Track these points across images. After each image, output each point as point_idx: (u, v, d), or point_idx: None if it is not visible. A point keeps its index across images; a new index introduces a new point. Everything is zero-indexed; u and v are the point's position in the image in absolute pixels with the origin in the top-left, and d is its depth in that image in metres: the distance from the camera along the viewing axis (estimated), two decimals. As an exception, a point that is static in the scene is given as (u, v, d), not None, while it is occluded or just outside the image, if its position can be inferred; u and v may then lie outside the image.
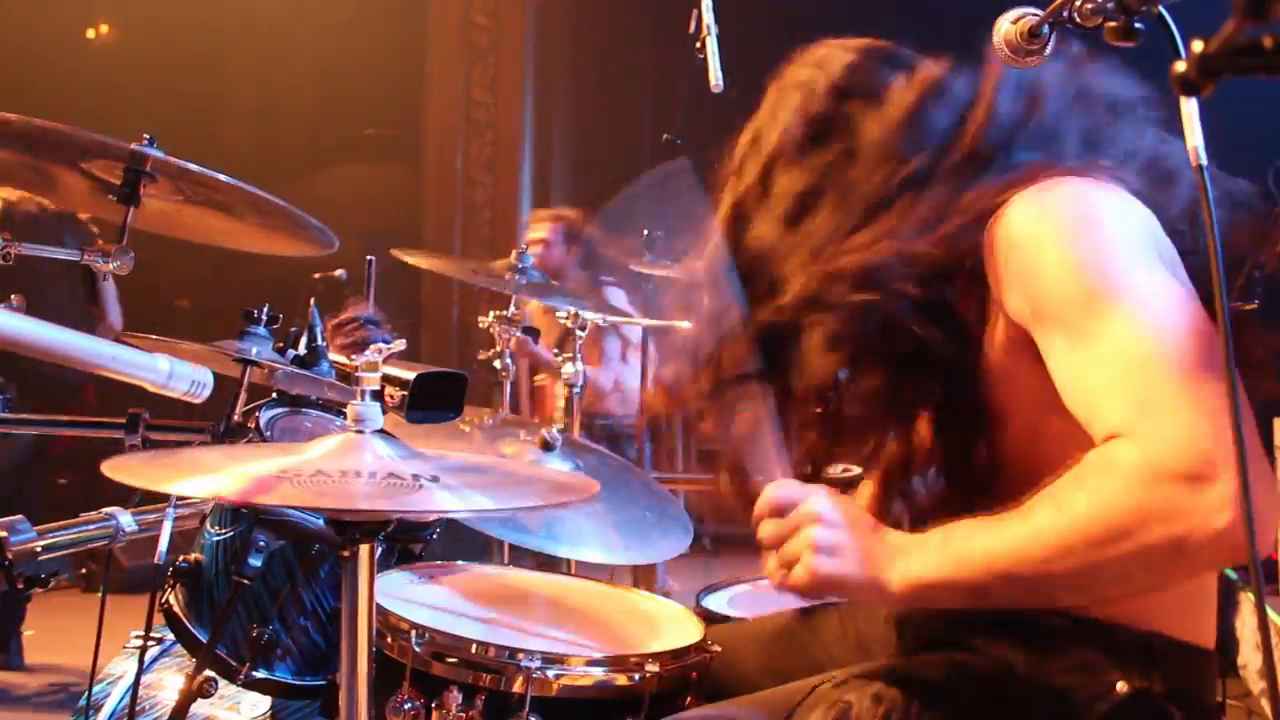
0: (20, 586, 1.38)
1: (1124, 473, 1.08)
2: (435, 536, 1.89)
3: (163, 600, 1.73)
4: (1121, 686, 1.23)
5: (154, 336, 1.80)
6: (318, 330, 1.80)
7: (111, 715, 1.90)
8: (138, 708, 1.85)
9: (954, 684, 1.30)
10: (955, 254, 1.27)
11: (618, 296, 4.17)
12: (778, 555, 1.26)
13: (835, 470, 2.79)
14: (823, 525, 1.23)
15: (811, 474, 1.43)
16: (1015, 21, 1.23)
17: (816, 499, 1.25)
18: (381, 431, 1.21)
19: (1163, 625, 1.27)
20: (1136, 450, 1.08)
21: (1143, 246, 1.21)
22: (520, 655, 1.40)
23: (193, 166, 1.78)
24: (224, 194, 1.85)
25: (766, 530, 1.28)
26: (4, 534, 1.38)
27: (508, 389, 2.93)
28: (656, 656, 1.46)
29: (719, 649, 1.53)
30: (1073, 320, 1.18)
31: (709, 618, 1.84)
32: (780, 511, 1.27)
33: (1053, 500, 1.13)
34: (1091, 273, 1.18)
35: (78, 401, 4.73)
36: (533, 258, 3.15)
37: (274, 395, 1.97)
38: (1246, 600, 4.09)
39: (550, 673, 1.41)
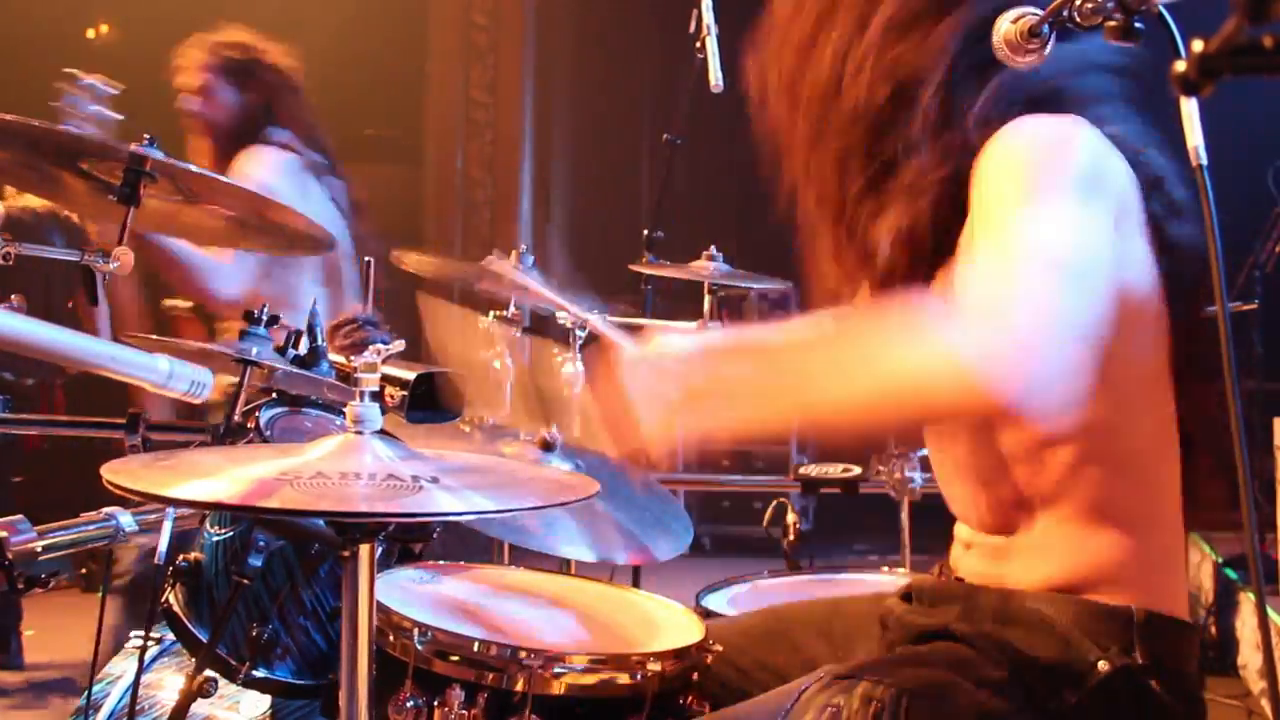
0: (20, 586, 1.38)
1: (942, 352, 1.12)
2: (436, 536, 1.89)
3: (163, 600, 1.73)
4: (1103, 665, 1.24)
5: (154, 337, 1.80)
6: (318, 330, 1.79)
7: (111, 715, 1.90)
8: (138, 708, 1.85)
9: (939, 674, 1.31)
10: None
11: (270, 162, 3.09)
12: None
13: (835, 470, 2.79)
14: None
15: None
16: (1015, 21, 1.23)
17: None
18: (381, 432, 1.21)
19: (1138, 599, 1.28)
20: (963, 338, 1.11)
21: (1088, 181, 1.24)
22: (522, 654, 1.41)
23: (193, 167, 1.79)
24: (223, 194, 1.85)
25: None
26: (4, 534, 1.38)
27: (508, 389, 2.93)
28: (658, 656, 1.46)
29: (720, 648, 1.53)
30: (990, 214, 1.23)
31: (709, 617, 1.84)
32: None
33: (862, 344, 1.18)
34: (1026, 183, 1.23)
35: (45, 404, 4.72)
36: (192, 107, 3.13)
37: (274, 395, 1.97)
38: (1246, 600, 4.09)
39: (552, 671, 1.41)
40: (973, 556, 1.43)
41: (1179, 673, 1.30)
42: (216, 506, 1.51)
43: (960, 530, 1.47)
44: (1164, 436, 1.35)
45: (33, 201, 4.37)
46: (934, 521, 1.73)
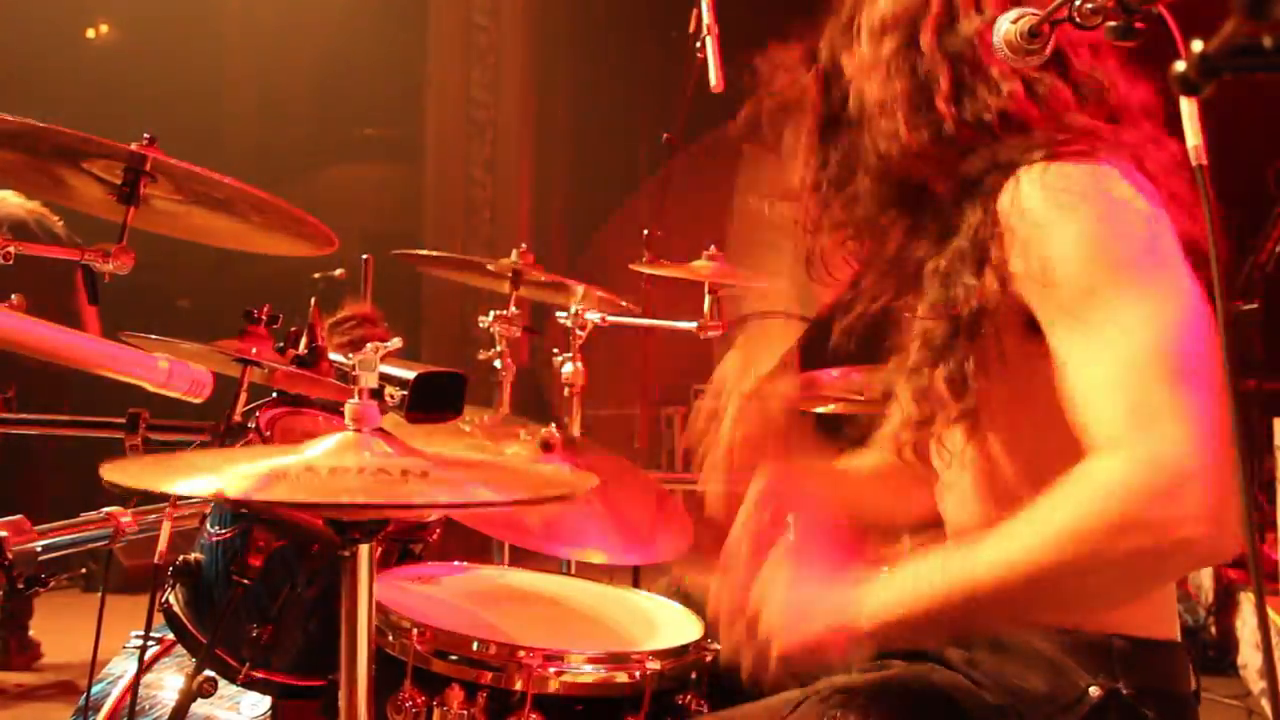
0: (20, 586, 1.38)
1: (1105, 486, 1.08)
2: (436, 536, 1.89)
3: (163, 600, 1.73)
4: (1095, 691, 1.25)
5: (154, 336, 1.79)
6: (318, 330, 1.79)
7: (111, 715, 1.90)
8: (138, 708, 1.85)
9: (937, 698, 1.31)
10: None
11: None
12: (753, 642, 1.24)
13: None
14: (782, 598, 1.22)
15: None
16: (1015, 21, 1.23)
17: (775, 572, 1.24)
18: (380, 430, 1.21)
19: (1119, 626, 1.29)
20: (1119, 466, 1.08)
21: (1157, 237, 1.19)
22: (521, 653, 1.41)
23: (193, 168, 1.78)
24: (224, 193, 1.85)
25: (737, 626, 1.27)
26: (4, 534, 1.38)
27: (507, 389, 2.92)
28: (657, 654, 1.46)
29: (719, 647, 1.53)
30: (1076, 305, 1.17)
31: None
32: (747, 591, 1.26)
33: (1033, 517, 1.12)
34: (1102, 258, 1.17)
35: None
36: None
37: (274, 395, 1.97)
38: (1246, 600, 4.09)
39: (551, 670, 1.41)
40: None
41: (1168, 694, 1.30)
42: (200, 498, 1.51)
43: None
44: None
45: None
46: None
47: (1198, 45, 0.65)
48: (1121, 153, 1.25)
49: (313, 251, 2.06)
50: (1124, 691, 1.26)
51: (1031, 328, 1.23)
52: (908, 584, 1.17)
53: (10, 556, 1.38)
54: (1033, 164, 1.24)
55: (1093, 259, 1.17)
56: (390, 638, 1.46)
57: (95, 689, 1.92)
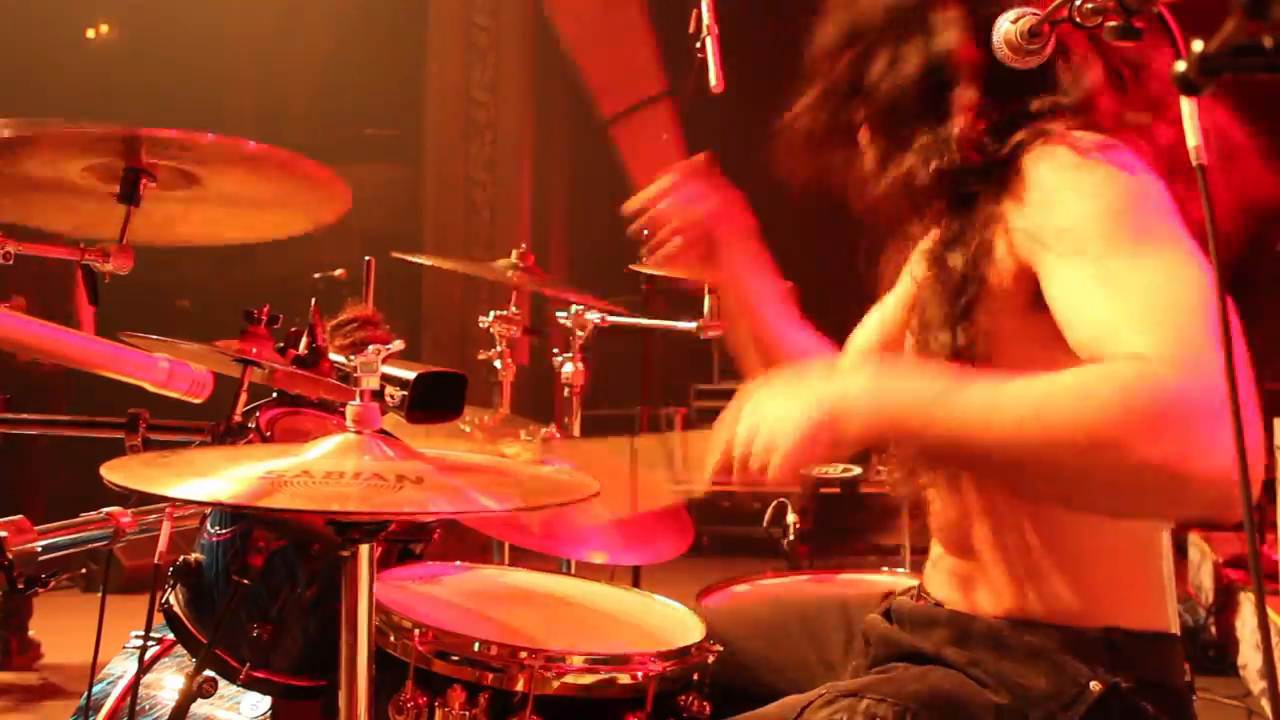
0: (20, 586, 1.38)
1: (1157, 382, 1.03)
2: (436, 536, 1.89)
3: (163, 600, 1.73)
4: (1095, 686, 1.25)
5: (154, 336, 1.79)
6: (318, 330, 1.79)
7: (111, 715, 1.90)
8: (138, 708, 1.85)
9: (941, 698, 1.31)
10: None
11: None
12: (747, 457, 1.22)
13: (835, 470, 2.79)
14: (763, 404, 1.21)
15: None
16: (1015, 21, 1.23)
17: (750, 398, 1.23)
18: (381, 432, 1.22)
19: (1117, 619, 1.29)
20: (1173, 372, 1.03)
21: (1171, 211, 1.18)
22: (523, 654, 1.41)
23: (191, 134, 1.71)
24: (225, 159, 1.78)
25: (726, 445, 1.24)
26: (4, 534, 1.38)
27: (507, 389, 2.93)
28: (659, 655, 1.46)
29: (720, 648, 1.53)
30: (1097, 252, 1.15)
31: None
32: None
33: (1077, 381, 1.07)
34: (1125, 214, 1.16)
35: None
36: None
37: (274, 395, 1.97)
38: (1246, 600, 4.10)
39: (553, 671, 1.41)
40: (941, 575, 1.44)
41: (1165, 687, 1.31)
42: (193, 503, 1.51)
43: (934, 549, 1.48)
44: None
45: None
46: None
47: (1198, 45, 0.65)
48: (1141, 142, 1.25)
49: (330, 215, 2.01)
50: (1123, 685, 1.26)
51: (1029, 308, 1.23)
52: (908, 388, 1.16)
53: (10, 556, 1.38)
54: (1045, 142, 1.25)
55: (1113, 216, 1.16)
56: (391, 638, 1.46)
57: (95, 689, 1.92)
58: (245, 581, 1.65)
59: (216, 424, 1.82)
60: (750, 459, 1.21)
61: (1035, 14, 1.21)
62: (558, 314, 2.77)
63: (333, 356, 1.73)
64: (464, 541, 2.94)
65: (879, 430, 1.18)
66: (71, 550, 1.50)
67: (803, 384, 1.20)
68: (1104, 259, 1.14)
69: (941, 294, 1.30)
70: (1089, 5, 1.12)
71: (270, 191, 1.93)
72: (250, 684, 1.68)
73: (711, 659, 1.51)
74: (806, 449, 1.17)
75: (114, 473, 1.10)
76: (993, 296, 1.26)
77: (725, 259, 1.75)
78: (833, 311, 1.71)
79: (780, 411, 1.19)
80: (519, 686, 1.40)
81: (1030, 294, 1.23)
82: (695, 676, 1.50)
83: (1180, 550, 5.19)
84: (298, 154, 1.76)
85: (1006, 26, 1.23)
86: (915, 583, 1.52)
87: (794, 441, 1.17)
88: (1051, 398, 1.07)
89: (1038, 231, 1.21)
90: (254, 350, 1.80)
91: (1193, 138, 0.92)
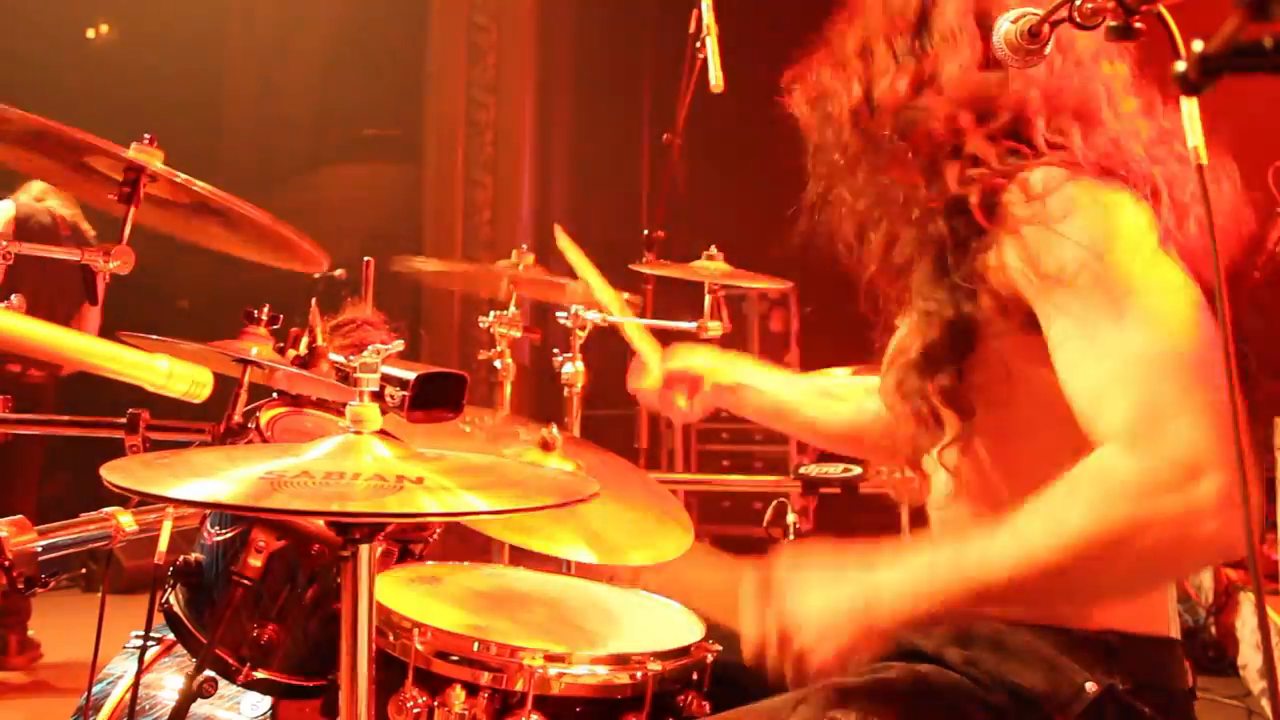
0: (20, 586, 1.38)
1: (1120, 484, 1.10)
2: (436, 536, 1.89)
3: (163, 600, 1.73)
4: (1091, 687, 1.26)
5: (154, 336, 1.79)
6: (318, 330, 1.79)
7: (111, 715, 1.90)
8: (138, 708, 1.85)
9: (938, 698, 1.32)
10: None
11: None
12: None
13: (835, 470, 2.79)
14: (792, 624, 1.24)
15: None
16: (1015, 21, 1.23)
17: (780, 603, 1.25)
18: (381, 432, 1.21)
19: (1115, 623, 1.30)
20: (1133, 462, 1.10)
21: (1157, 245, 1.22)
22: (522, 654, 1.41)
23: (189, 181, 1.75)
24: (218, 203, 1.83)
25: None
26: (4, 534, 1.38)
27: (507, 389, 2.93)
28: (658, 655, 1.46)
29: (720, 648, 1.53)
30: (1081, 305, 1.19)
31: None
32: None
33: (1047, 515, 1.14)
34: (1109, 259, 1.19)
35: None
36: None
37: (274, 395, 1.97)
38: (1246, 600, 4.10)
39: (552, 671, 1.41)
40: None
41: (1163, 690, 1.31)
42: (188, 504, 1.51)
43: None
44: None
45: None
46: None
47: (1198, 45, 0.65)
48: (1132, 168, 1.27)
49: (301, 268, 2.06)
50: (1120, 687, 1.27)
51: (1025, 330, 1.25)
52: (922, 578, 1.19)
53: (10, 556, 1.38)
54: (1034, 172, 1.27)
55: (1097, 258, 1.19)
56: (391, 638, 1.46)
57: (95, 689, 1.92)
58: (245, 581, 1.65)
59: (216, 424, 1.82)
60: (792, 653, 1.24)
61: (1035, 14, 1.21)
62: (558, 314, 2.77)
63: (332, 356, 1.73)
64: (464, 541, 2.94)
65: (908, 620, 1.22)
66: (71, 550, 1.50)
67: (837, 580, 1.24)
68: (1086, 318, 1.19)
69: (938, 323, 1.33)
70: (1089, 5, 1.12)
71: (250, 233, 1.96)
72: (250, 684, 1.68)
73: (710, 658, 1.51)
74: (848, 651, 1.22)
75: (114, 473, 1.09)
76: (988, 322, 1.29)
77: (714, 398, 1.95)
78: (843, 306, 1.72)
79: (819, 605, 1.23)
80: (518, 686, 1.40)
81: (1024, 315, 1.26)
82: (694, 676, 1.50)
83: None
84: (279, 220, 1.84)
85: (1006, 26, 1.23)
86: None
87: (837, 643, 1.21)
88: (1027, 542, 1.14)
89: (1028, 271, 1.24)
90: (254, 350, 1.80)
91: (1192, 138, 0.92)
